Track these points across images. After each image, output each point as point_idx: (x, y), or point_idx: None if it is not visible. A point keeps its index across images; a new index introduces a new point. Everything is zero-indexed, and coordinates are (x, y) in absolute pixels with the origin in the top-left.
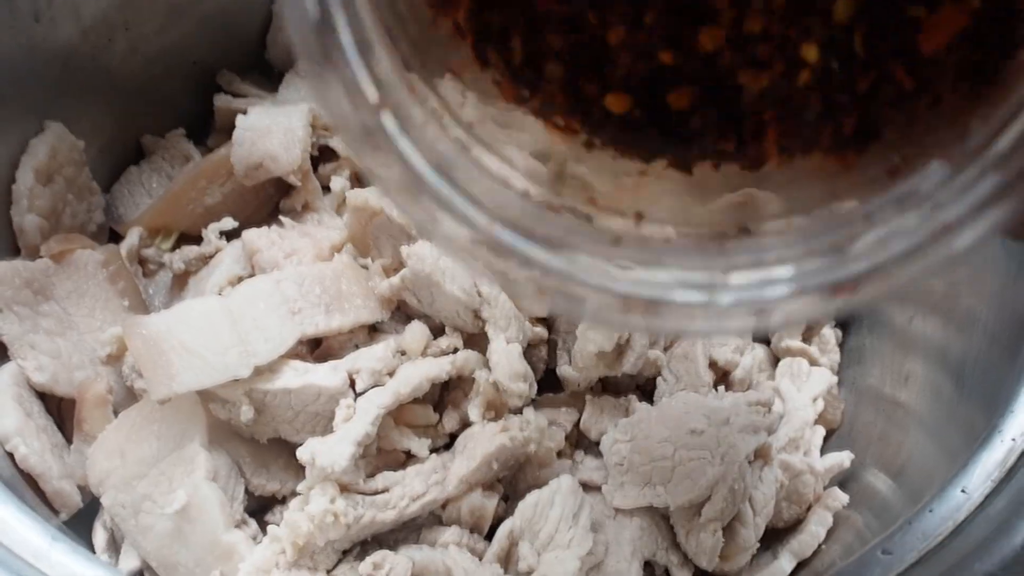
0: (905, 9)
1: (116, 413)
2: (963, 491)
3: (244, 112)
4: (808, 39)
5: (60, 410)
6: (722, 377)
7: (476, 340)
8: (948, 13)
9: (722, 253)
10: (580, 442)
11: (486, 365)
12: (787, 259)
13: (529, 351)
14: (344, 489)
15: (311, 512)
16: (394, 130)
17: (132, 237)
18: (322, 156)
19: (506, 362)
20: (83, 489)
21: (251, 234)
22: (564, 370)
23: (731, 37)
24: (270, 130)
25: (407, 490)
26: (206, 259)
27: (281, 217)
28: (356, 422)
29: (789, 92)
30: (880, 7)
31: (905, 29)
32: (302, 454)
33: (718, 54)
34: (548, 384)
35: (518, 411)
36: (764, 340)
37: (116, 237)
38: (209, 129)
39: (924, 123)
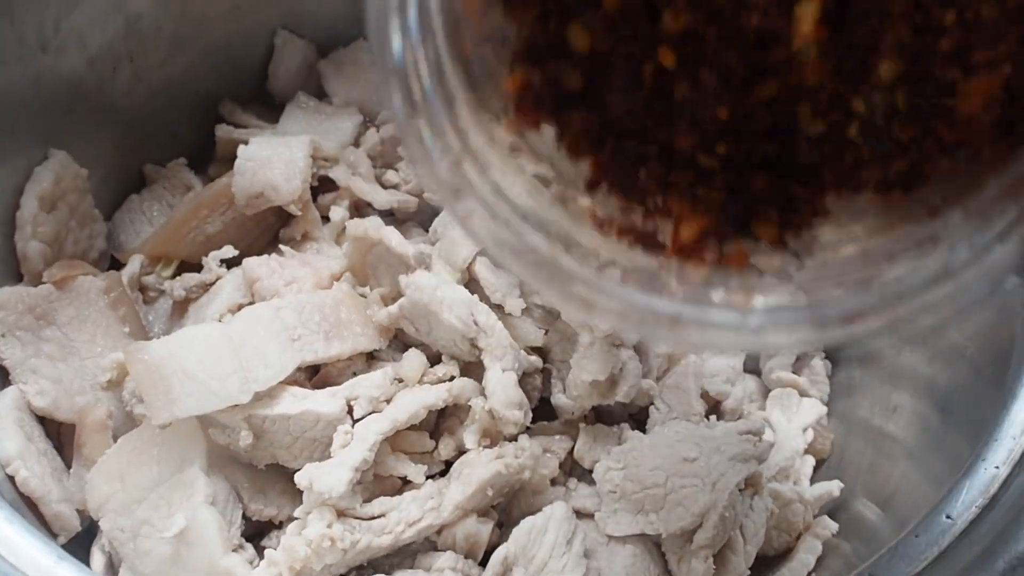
0: (943, 73)
1: (116, 438)
2: (948, 517)
3: (246, 142)
4: (856, 93)
5: (60, 434)
6: (714, 407)
7: (472, 368)
8: (982, 78)
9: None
10: (574, 470)
11: (482, 393)
12: (811, 289)
13: (524, 379)
14: (341, 514)
15: (308, 536)
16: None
17: (133, 264)
18: (322, 186)
19: (502, 390)
20: (82, 513)
21: (251, 262)
22: (558, 398)
23: (787, 88)
24: (271, 160)
25: (403, 515)
26: (206, 287)
27: (281, 246)
28: (354, 448)
29: (842, 139)
30: (921, 70)
31: (943, 91)
32: (300, 479)
33: (775, 103)
34: (542, 412)
35: (513, 438)
36: (755, 371)
37: (117, 264)
38: (210, 159)
39: (966, 171)
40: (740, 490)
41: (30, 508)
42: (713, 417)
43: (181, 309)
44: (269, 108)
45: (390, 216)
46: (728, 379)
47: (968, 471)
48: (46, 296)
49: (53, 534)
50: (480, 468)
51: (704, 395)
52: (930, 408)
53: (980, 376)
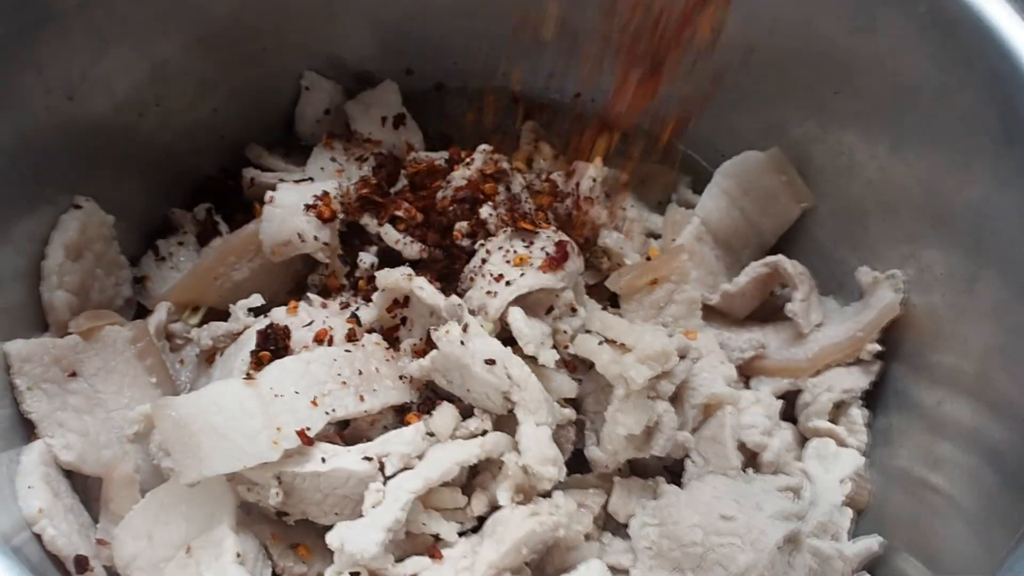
0: None
1: (143, 492)
2: None
3: (273, 187)
4: None
5: (87, 488)
6: (750, 458)
7: (505, 422)
8: None
9: None
10: (608, 524)
11: (515, 448)
12: None
13: (557, 431)
14: (373, 574)
15: None
16: None
17: (160, 312)
18: (350, 231)
19: (536, 446)
20: (109, 570)
21: (279, 313)
22: (592, 451)
23: None
24: (299, 207)
25: (436, 575)
26: (234, 336)
27: (309, 295)
28: (386, 508)
29: None
30: None
31: None
32: (331, 540)
33: None
34: (575, 464)
35: (547, 494)
36: (791, 419)
37: (143, 309)
38: (237, 202)
39: None
40: (779, 548)
41: (57, 567)
42: (751, 470)
43: (209, 358)
44: (296, 150)
45: (418, 264)
46: (765, 430)
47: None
48: (72, 347)
49: None
50: (514, 526)
51: (741, 447)
52: (979, 462)
53: None
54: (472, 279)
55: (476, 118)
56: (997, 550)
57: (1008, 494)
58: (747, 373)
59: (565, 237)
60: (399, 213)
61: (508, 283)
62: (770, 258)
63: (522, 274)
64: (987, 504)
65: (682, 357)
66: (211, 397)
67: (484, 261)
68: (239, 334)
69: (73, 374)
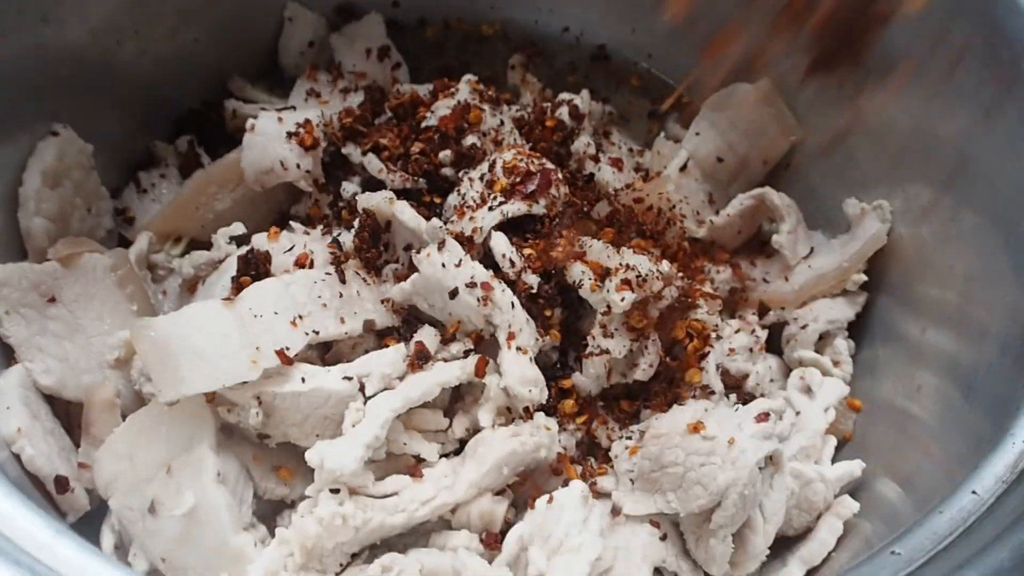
0: None
1: (124, 417)
2: (974, 492)
3: (255, 117)
4: None
5: (68, 414)
6: (734, 385)
7: (487, 346)
8: None
9: None
10: (591, 449)
11: (497, 370)
12: None
13: (540, 358)
14: (353, 492)
15: (319, 515)
16: None
17: (141, 242)
18: (333, 162)
19: (517, 367)
20: (91, 492)
21: (260, 239)
22: (576, 377)
23: None
24: (281, 135)
25: (417, 494)
26: (216, 264)
27: (291, 223)
28: (365, 425)
29: None
30: None
31: None
32: (311, 457)
33: None
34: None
35: (529, 416)
36: (777, 351)
37: (125, 242)
38: (219, 135)
39: None
40: (760, 469)
41: (37, 487)
42: (734, 396)
43: (191, 287)
44: (279, 83)
45: (402, 192)
46: (749, 357)
47: (995, 446)
48: (51, 273)
49: (62, 513)
50: (496, 446)
51: (724, 373)
52: (953, 387)
53: (1007, 352)
54: (455, 207)
55: (462, 52)
56: (967, 464)
57: (977, 414)
58: (733, 306)
59: (549, 165)
60: (383, 142)
61: (490, 208)
62: (757, 190)
63: (504, 200)
64: (958, 424)
65: (667, 283)
66: (190, 317)
67: (467, 189)
68: (221, 262)
69: (52, 300)
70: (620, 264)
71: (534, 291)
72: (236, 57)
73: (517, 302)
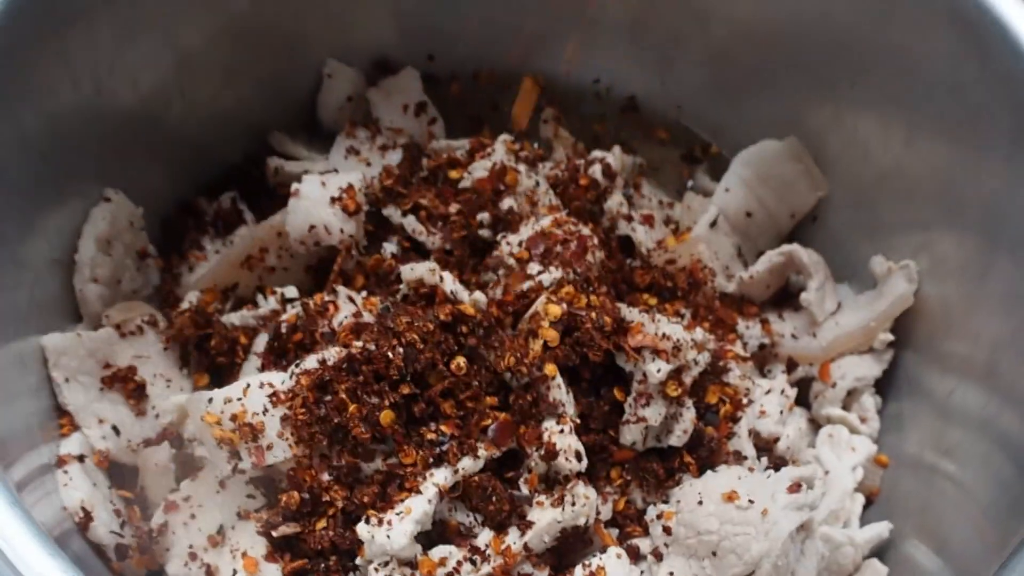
0: None
1: (178, 481)
2: None
3: (298, 178)
4: None
5: (124, 479)
6: (765, 446)
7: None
8: None
9: None
10: (627, 512)
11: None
12: None
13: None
14: (403, 564)
15: None
16: None
17: (190, 299)
18: (372, 221)
19: (560, 439)
20: (147, 556)
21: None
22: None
23: None
24: (325, 199)
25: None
26: (264, 323)
27: (336, 287)
28: (416, 500)
29: None
30: None
31: None
32: (361, 531)
33: None
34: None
35: (568, 482)
36: (804, 405)
37: (174, 300)
38: (262, 190)
39: None
40: (792, 538)
41: (99, 556)
42: (765, 458)
43: (246, 343)
44: (319, 137)
45: (442, 252)
46: (779, 419)
47: None
48: (106, 340)
49: None
50: (537, 515)
51: (755, 436)
52: (991, 449)
53: None
54: (495, 271)
55: (497, 105)
56: (1008, 537)
57: (1020, 481)
58: (761, 361)
59: (585, 231)
60: (423, 202)
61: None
62: (785, 247)
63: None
64: (998, 491)
65: (700, 350)
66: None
67: (507, 255)
68: (269, 320)
69: (107, 366)
70: (656, 333)
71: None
72: (277, 113)
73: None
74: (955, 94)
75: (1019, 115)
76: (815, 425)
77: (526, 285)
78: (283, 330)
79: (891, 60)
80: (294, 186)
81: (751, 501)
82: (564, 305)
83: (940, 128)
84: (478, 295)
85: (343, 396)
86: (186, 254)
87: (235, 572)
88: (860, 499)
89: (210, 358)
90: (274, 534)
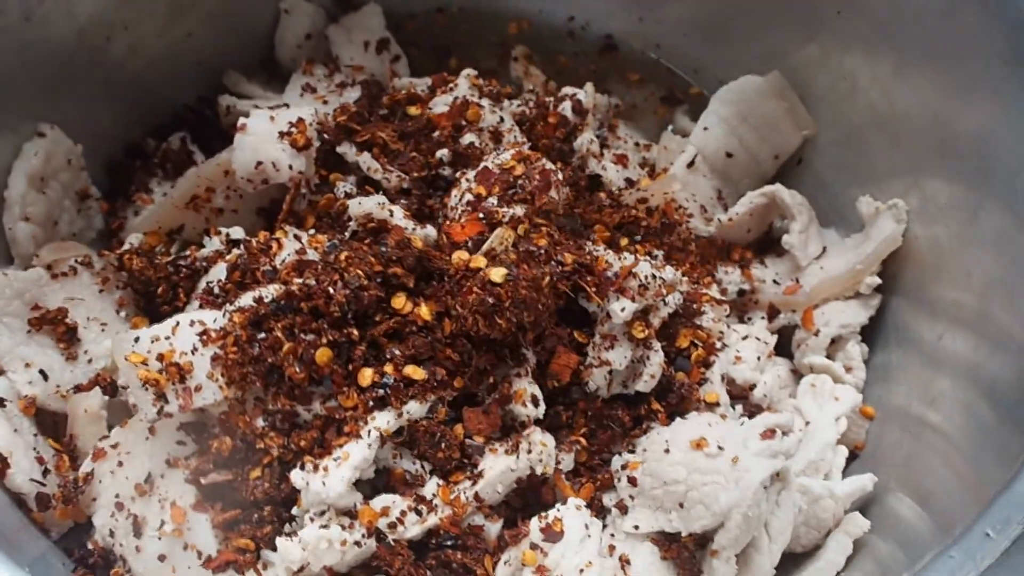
0: None
1: (110, 426)
2: (987, 535)
3: (247, 115)
4: None
5: (56, 424)
6: (740, 396)
7: None
8: None
9: None
10: (590, 463)
11: None
12: None
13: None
14: (341, 512)
15: (305, 539)
16: None
17: (132, 242)
18: (328, 159)
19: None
20: (73, 506)
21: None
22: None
23: None
24: (273, 134)
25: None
26: (211, 261)
27: (285, 226)
28: (356, 445)
29: None
30: None
31: None
32: (295, 478)
33: None
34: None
35: (524, 429)
36: (787, 354)
37: (116, 245)
38: (215, 132)
39: None
40: (765, 487)
41: (19, 506)
42: (740, 407)
43: (187, 285)
44: (277, 77)
45: (400, 192)
46: (757, 366)
47: (1017, 475)
48: (36, 280)
49: (45, 530)
50: (490, 463)
51: (730, 383)
52: (976, 395)
53: None
54: (453, 209)
55: (465, 43)
56: (990, 486)
57: (1004, 429)
58: (742, 307)
59: (549, 165)
60: (381, 136)
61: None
62: (767, 188)
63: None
64: (982, 440)
65: (670, 290)
66: (169, 331)
67: (464, 192)
68: (214, 262)
69: (36, 307)
70: (621, 271)
71: None
72: (231, 51)
73: None
74: (944, 22)
75: (1013, 36)
76: (798, 376)
77: (482, 220)
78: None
79: None
80: (240, 120)
81: (721, 448)
82: (512, 252)
83: (930, 56)
84: (429, 229)
85: (278, 334)
86: (133, 197)
87: (163, 523)
88: (843, 451)
89: (150, 301)
90: (203, 481)
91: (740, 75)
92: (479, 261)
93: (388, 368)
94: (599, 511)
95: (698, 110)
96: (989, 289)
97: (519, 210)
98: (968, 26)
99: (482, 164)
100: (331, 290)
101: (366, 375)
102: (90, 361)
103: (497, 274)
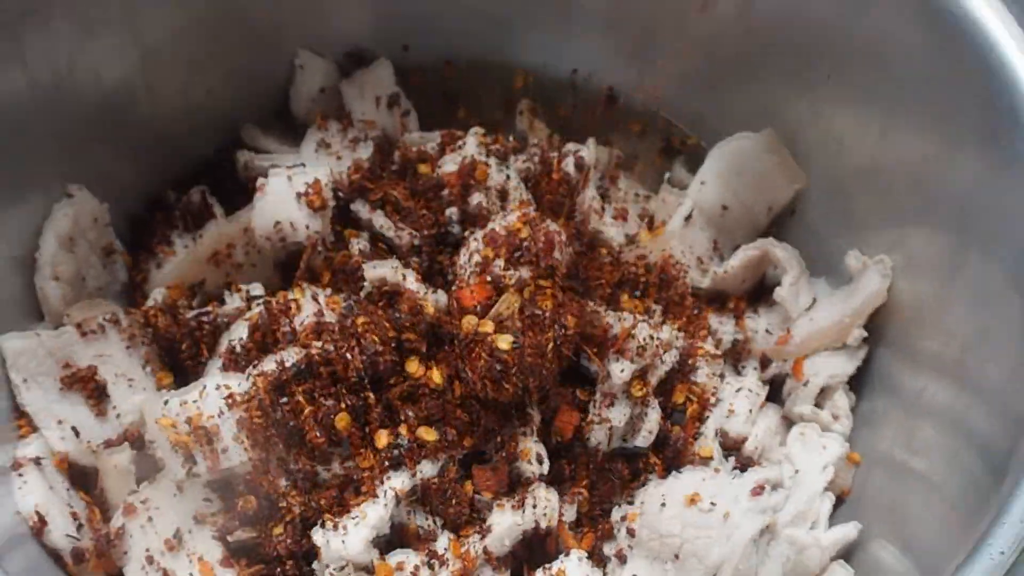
0: None
1: (139, 481)
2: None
3: (265, 173)
4: None
5: (85, 480)
6: (733, 447)
7: None
8: None
9: None
10: (591, 514)
11: None
12: None
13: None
14: (359, 568)
15: None
16: None
17: (156, 296)
18: (343, 215)
19: (522, 441)
20: (105, 558)
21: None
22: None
23: None
24: (291, 195)
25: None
26: (233, 317)
27: (303, 284)
28: (373, 505)
29: None
30: None
31: None
32: (316, 537)
33: None
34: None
35: (529, 484)
36: (779, 401)
37: (141, 297)
38: (234, 183)
39: None
40: (755, 541)
41: (56, 560)
42: (732, 459)
43: (210, 340)
44: (292, 129)
45: (408, 250)
46: (748, 418)
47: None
48: (66, 340)
49: None
50: (497, 518)
51: (723, 435)
52: (961, 445)
53: (1009, 414)
54: (463, 268)
55: (472, 94)
56: (974, 534)
57: (986, 477)
58: (736, 357)
59: (553, 227)
60: (394, 193)
61: None
62: (760, 241)
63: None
64: (965, 487)
65: (667, 349)
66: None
67: (473, 253)
68: (236, 318)
69: (67, 366)
70: (620, 333)
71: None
72: (249, 105)
73: None
74: (928, 87)
75: (989, 110)
76: (789, 422)
77: (489, 284)
78: (244, 331)
79: (866, 53)
80: (260, 181)
81: (713, 504)
82: (518, 318)
83: (914, 122)
84: (440, 295)
85: (299, 399)
86: (154, 249)
87: None
88: (830, 499)
89: (173, 356)
90: (230, 539)
91: (736, 128)
92: (487, 326)
93: (403, 429)
94: (600, 560)
95: (695, 160)
96: (969, 344)
97: (525, 272)
98: (947, 98)
99: (489, 226)
100: (349, 356)
101: (382, 437)
102: (119, 416)
103: (504, 341)
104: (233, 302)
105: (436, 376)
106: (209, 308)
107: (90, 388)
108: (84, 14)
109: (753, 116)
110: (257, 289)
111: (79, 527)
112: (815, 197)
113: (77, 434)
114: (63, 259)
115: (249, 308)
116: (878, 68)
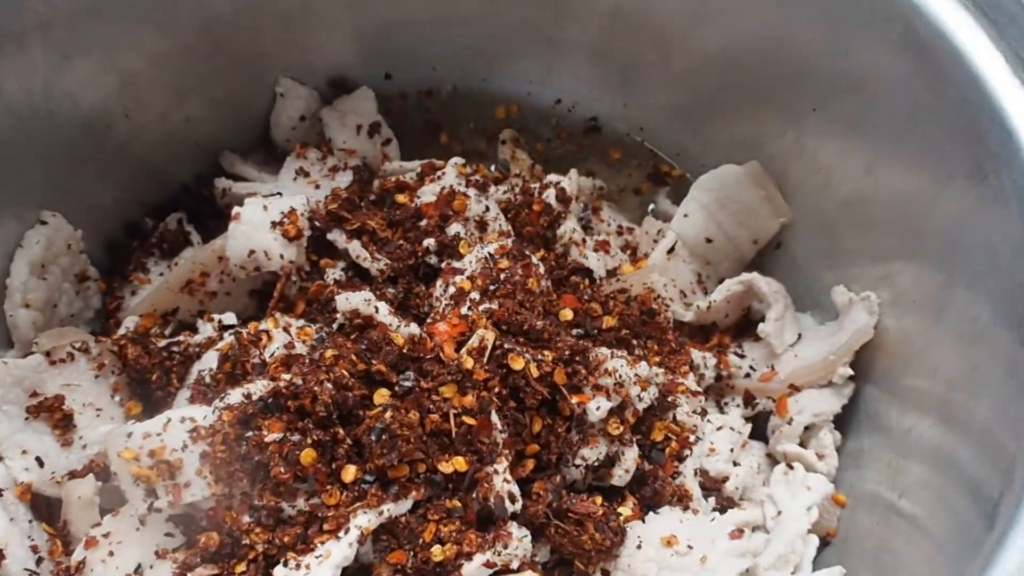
0: None
1: (103, 513)
2: None
3: (242, 201)
4: None
5: (49, 510)
6: (713, 488)
7: None
8: None
9: None
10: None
11: None
12: None
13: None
14: None
15: None
16: None
17: (128, 324)
18: (319, 244)
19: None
20: None
21: (241, 335)
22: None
23: None
24: (266, 224)
25: None
26: (204, 347)
27: (276, 315)
28: (337, 544)
29: None
30: None
31: None
32: (279, 574)
33: None
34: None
35: (502, 524)
36: (763, 438)
37: (114, 324)
38: (212, 211)
39: None
40: None
41: None
42: (712, 500)
43: (180, 369)
44: (272, 155)
45: (384, 280)
46: (730, 458)
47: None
48: (35, 368)
49: None
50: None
51: (703, 474)
52: (949, 485)
53: (994, 450)
54: (438, 300)
55: (455, 124)
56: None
57: (974, 517)
58: (719, 393)
59: (533, 260)
60: (371, 224)
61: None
62: (744, 276)
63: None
64: (953, 527)
65: (644, 387)
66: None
67: (449, 284)
68: (208, 346)
69: (35, 394)
70: (596, 370)
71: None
72: (228, 132)
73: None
74: (914, 120)
75: (976, 144)
76: (773, 460)
77: (464, 317)
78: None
79: (851, 86)
80: (235, 210)
81: (690, 547)
82: (490, 348)
83: (900, 155)
84: (413, 327)
85: (265, 433)
86: (129, 276)
87: None
88: (814, 541)
89: (144, 385)
90: None
91: (720, 160)
92: (466, 362)
93: (370, 465)
94: None
95: (679, 191)
96: (956, 382)
97: (496, 306)
98: (932, 134)
99: (467, 257)
100: (317, 389)
101: (350, 472)
102: (84, 447)
103: (470, 400)
104: (205, 331)
105: (412, 415)
106: (181, 337)
107: (56, 417)
108: (61, 42)
109: (738, 148)
110: (229, 318)
111: (39, 560)
112: (801, 230)
113: (41, 464)
114: (34, 286)
115: (221, 338)
116: (864, 101)
